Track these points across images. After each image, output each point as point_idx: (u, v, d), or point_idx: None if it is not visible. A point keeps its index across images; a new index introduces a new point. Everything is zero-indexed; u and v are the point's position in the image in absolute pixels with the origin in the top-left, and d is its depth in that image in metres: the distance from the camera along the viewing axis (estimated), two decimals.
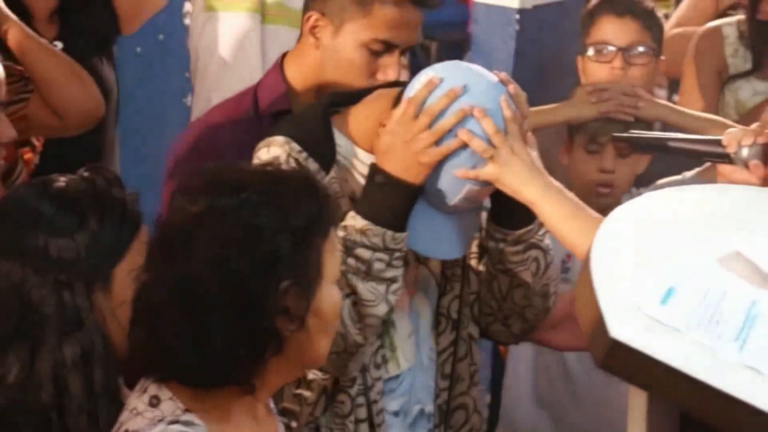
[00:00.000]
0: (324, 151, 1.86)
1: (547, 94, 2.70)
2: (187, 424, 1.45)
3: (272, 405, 1.64)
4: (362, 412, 1.89)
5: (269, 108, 2.13)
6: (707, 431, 1.43)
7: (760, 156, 1.80)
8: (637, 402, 1.51)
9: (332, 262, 1.54)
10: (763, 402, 1.30)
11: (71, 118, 2.47)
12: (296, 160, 1.81)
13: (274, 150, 1.84)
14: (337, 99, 1.95)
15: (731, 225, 1.69)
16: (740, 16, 2.88)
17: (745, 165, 1.82)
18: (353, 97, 1.94)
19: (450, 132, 1.73)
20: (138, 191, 1.74)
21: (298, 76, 2.12)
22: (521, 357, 2.68)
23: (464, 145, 1.74)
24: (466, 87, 1.74)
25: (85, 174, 1.72)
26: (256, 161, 1.85)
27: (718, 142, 1.89)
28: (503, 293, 1.95)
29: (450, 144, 1.73)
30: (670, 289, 1.45)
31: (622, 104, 2.54)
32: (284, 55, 2.19)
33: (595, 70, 2.67)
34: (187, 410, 1.46)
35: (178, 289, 1.46)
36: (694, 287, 1.48)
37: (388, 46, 2.00)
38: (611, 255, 1.52)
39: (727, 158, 1.87)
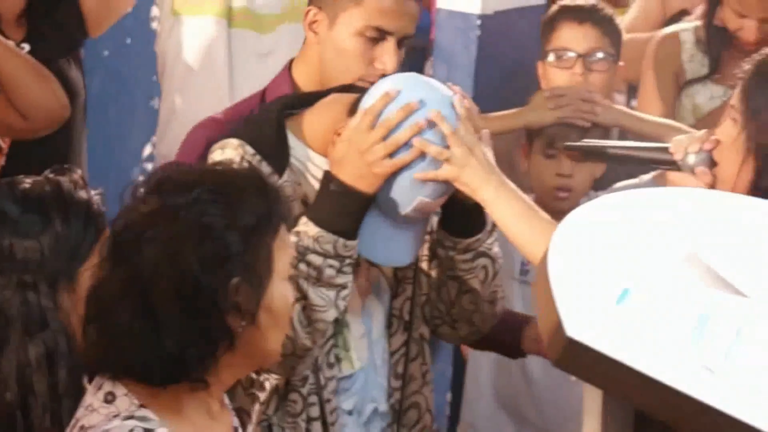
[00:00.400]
0: (277, 154, 1.91)
1: (507, 99, 2.80)
2: (142, 419, 1.47)
3: (227, 401, 1.67)
4: (315, 411, 1.95)
5: None
6: (662, 428, 1.46)
7: (707, 162, 1.88)
8: (592, 400, 1.54)
9: (283, 259, 1.57)
10: (716, 400, 1.34)
11: (36, 120, 2.55)
12: (249, 162, 1.86)
13: (228, 152, 1.89)
14: (292, 101, 2.00)
15: (688, 228, 1.71)
16: (697, 23, 2.99)
17: (692, 171, 1.90)
18: (308, 100, 1.99)
19: (405, 145, 1.80)
20: (104, 192, 1.79)
21: (304, 74, 2.18)
22: (482, 356, 2.75)
23: (418, 157, 1.81)
24: (422, 101, 1.80)
25: (51, 175, 1.77)
26: (209, 162, 1.89)
27: (665, 150, 1.97)
28: (452, 298, 2.03)
29: (404, 157, 1.80)
30: (625, 290, 1.46)
31: (579, 110, 2.62)
32: (293, 59, 2.28)
33: (555, 75, 2.77)
34: (142, 405, 1.48)
35: (129, 287, 1.48)
36: (650, 288, 1.50)
37: (382, 33, 2.06)
38: (568, 256, 1.54)
39: (674, 165, 1.95)
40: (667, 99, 2.87)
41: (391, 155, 1.80)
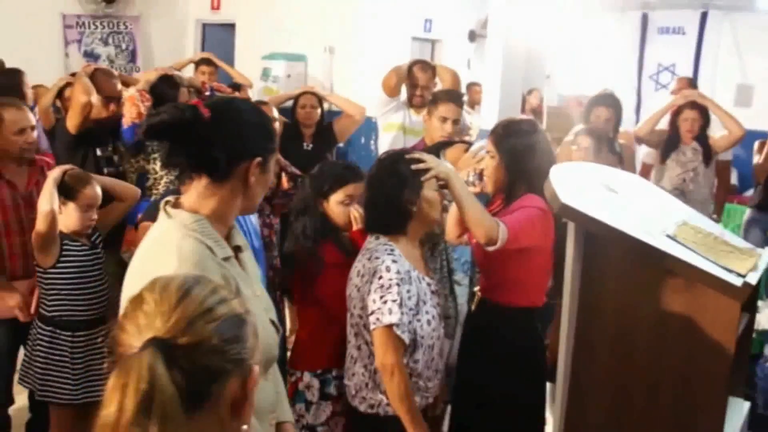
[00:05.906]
0: None
1: None
2: (389, 245, 2.75)
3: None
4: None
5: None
6: (597, 240, 2.58)
7: (479, 178, 3.51)
8: (571, 228, 2.67)
9: (430, 182, 2.79)
10: (618, 225, 2.50)
11: None
12: None
13: None
14: (442, 143, 3.74)
15: (598, 173, 3.01)
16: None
17: (473, 184, 3.51)
18: (449, 143, 3.74)
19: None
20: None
21: (426, 138, 4.07)
22: None
23: None
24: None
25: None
26: None
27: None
28: None
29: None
30: (579, 187, 2.77)
31: None
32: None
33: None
34: (389, 239, 2.76)
35: (373, 190, 2.84)
36: (589, 189, 2.81)
37: (446, 119, 3.96)
38: (557, 178, 2.73)
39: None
40: None
41: None
